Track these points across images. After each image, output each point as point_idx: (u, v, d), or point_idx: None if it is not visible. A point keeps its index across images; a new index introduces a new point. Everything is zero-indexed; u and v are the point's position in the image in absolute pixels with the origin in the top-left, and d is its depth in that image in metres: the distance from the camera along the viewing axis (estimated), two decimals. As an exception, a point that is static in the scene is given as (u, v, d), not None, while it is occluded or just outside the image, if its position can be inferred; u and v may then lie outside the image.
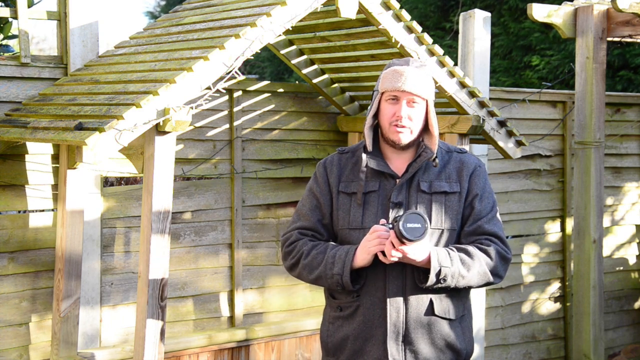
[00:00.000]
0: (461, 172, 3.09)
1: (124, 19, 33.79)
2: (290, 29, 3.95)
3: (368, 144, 3.07)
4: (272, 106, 5.13)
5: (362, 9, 4.13)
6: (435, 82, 4.35)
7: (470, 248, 2.99)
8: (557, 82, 7.87)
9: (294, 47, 5.01)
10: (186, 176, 4.84)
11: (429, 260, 2.90)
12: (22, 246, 4.28)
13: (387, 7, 4.20)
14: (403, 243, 2.83)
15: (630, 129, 6.55)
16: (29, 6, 4.45)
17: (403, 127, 3.00)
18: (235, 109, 4.97)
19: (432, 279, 2.90)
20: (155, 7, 17.08)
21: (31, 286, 4.30)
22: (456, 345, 3.05)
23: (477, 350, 5.48)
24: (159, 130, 3.61)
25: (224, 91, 4.87)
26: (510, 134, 4.81)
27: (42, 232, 4.33)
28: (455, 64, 4.60)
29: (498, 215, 3.11)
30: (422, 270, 2.95)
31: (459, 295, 3.06)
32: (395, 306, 2.97)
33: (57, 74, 4.35)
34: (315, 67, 5.09)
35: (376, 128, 3.11)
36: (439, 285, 2.93)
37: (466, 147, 4.65)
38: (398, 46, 4.31)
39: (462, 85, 4.53)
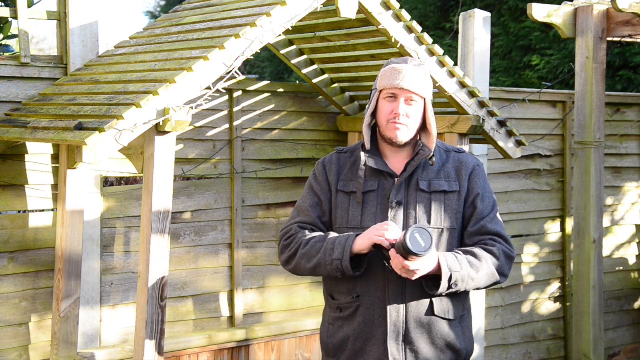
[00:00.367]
0: (460, 171, 3.09)
1: (124, 19, 33.80)
2: (290, 29, 3.94)
3: (366, 142, 3.07)
4: (272, 106, 5.13)
5: (362, 9, 4.13)
6: (435, 82, 4.35)
7: (477, 250, 2.99)
8: (557, 82, 7.88)
9: (294, 47, 5.01)
10: (186, 176, 4.84)
11: (438, 267, 2.89)
12: (22, 246, 4.28)
13: (387, 7, 4.20)
14: (407, 259, 2.82)
15: (630, 129, 6.55)
16: (29, 6, 4.45)
17: (401, 124, 2.99)
18: (235, 109, 4.97)
19: (444, 285, 2.89)
20: (155, 7, 17.10)
21: (31, 286, 4.31)
22: (456, 345, 3.05)
23: (477, 350, 5.48)
24: (159, 130, 3.61)
25: (224, 91, 4.87)
26: (510, 134, 4.81)
27: (42, 232, 4.33)
28: (455, 64, 4.60)
29: (498, 214, 3.12)
30: (431, 277, 2.94)
31: (458, 295, 3.06)
32: (395, 306, 2.97)
33: (57, 74, 4.35)
34: (315, 67, 5.09)
35: (375, 127, 3.12)
36: (451, 290, 2.93)
37: (466, 147, 4.65)
38: (398, 46, 4.31)
39: (462, 85, 4.53)
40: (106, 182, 5.59)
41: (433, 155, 3.04)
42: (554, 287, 6.24)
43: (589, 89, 5.65)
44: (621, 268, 6.58)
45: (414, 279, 2.89)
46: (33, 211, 4.39)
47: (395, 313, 2.97)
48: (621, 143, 6.51)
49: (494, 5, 9.17)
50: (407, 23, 4.28)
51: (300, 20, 4.20)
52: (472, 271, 2.94)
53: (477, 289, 3.02)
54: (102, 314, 4.54)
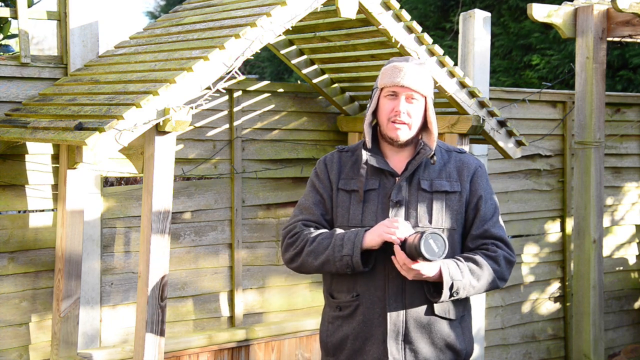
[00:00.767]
0: (462, 171, 3.08)
1: (124, 19, 33.80)
2: (290, 29, 3.94)
3: (367, 140, 3.07)
4: (272, 106, 5.13)
5: (362, 9, 4.13)
6: (435, 82, 4.35)
7: (478, 257, 2.99)
8: (557, 82, 7.88)
9: (294, 47, 5.01)
10: (186, 176, 4.84)
11: (439, 274, 2.90)
12: (22, 246, 4.28)
13: (387, 7, 4.20)
14: (416, 260, 2.83)
15: (630, 129, 6.55)
16: (29, 6, 4.45)
17: (402, 123, 2.99)
18: (235, 109, 4.97)
19: (445, 293, 2.90)
20: (155, 7, 17.09)
21: (31, 286, 4.30)
22: (456, 346, 3.05)
23: (477, 350, 5.48)
24: (159, 130, 3.61)
25: (224, 91, 4.87)
26: (510, 134, 4.81)
27: (42, 232, 4.33)
28: (455, 64, 4.60)
29: (500, 216, 3.12)
30: (433, 284, 2.95)
31: (459, 295, 3.07)
32: (395, 305, 2.97)
33: (57, 74, 4.35)
34: (315, 67, 5.09)
35: (376, 127, 3.11)
36: (452, 298, 2.94)
37: (466, 147, 4.65)
38: (398, 46, 4.31)
39: (462, 85, 4.53)
40: (106, 182, 5.59)
41: (434, 154, 3.04)
42: (554, 287, 6.24)
43: (589, 89, 5.64)
44: (621, 268, 6.58)
45: (410, 278, 2.90)
46: (33, 211, 4.39)
47: (395, 312, 2.97)
48: (621, 143, 6.51)
49: (494, 5, 9.17)
50: (407, 23, 4.28)
51: (300, 20, 4.20)
52: (473, 279, 2.95)
53: (477, 294, 3.04)
54: (102, 314, 4.54)
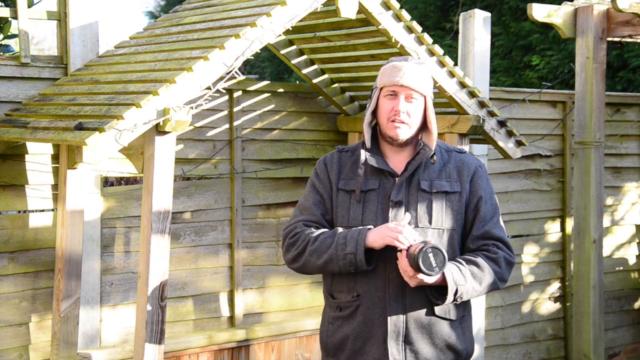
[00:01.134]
0: (462, 172, 3.08)
1: (124, 19, 33.80)
2: (290, 29, 3.94)
3: (367, 140, 3.06)
4: (272, 106, 5.13)
5: (362, 9, 4.13)
6: (435, 82, 4.35)
7: (479, 260, 2.99)
8: (557, 82, 7.88)
9: (294, 47, 5.01)
10: (186, 176, 4.84)
11: (443, 279, 2.90)
12: (22, 246, 4.28)
13: (387, 7, 4.20)
14: (417, 272, 2.85)
15: (630, 129, 6.55)
16: (29, 6, 4.45)
17: (401, 122, 2.98)
18: (235, 109, 4.97)
19: (449, 298, 2.91)
20: (155, 7, 17.08)
21: (31, 286, 4.30)
22: (456, 346, 3.05)
23: (477, 350, 5.48)
24: (159, 130, 3.61)
25: (224, 91, 4.87)
26: (510, 134, 4.81)
27: (42, 232, 4.33)
28: (455, 64, 4.60)
29: (500, 217, 3.12)
30: (435, 288, 2.95)
31: (459, 296, 3.07)
32: (395, 306, 2.97)
33: (57, 74, 4.35)
34: (315, 67, 5.09)
35: (375, 127, 3.11)
36: (455, 302, 2.96)
37: (466, 147, 4.65)
38: (398, 46, 4.31)
39: (462, 85, 4.53)
40: (106, 182, 5.59)
41: (434, 154, 3.03)
42: (554, 287, 6.24)
43: (589, 89, 5.64)
44: (621, 268, 6.58)
45: (413, 285, 2.91)
46: (33, 211, 4.39)
47: (395, 313, 2.97)
48: (621, 143, 6.51)
49: (494, 5, 9.17)
50: (407, 23, 4.28)
51: (300, 20, 4.20)
52: (476, 283, 2.96)
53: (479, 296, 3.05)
54: (102, 314, 4.54)
